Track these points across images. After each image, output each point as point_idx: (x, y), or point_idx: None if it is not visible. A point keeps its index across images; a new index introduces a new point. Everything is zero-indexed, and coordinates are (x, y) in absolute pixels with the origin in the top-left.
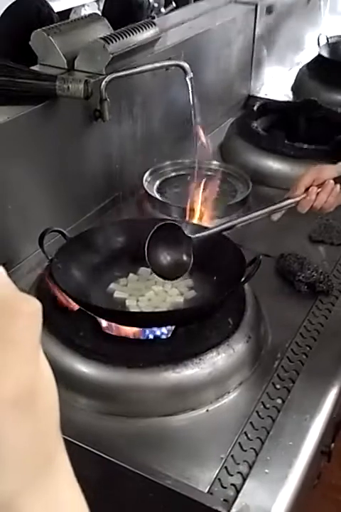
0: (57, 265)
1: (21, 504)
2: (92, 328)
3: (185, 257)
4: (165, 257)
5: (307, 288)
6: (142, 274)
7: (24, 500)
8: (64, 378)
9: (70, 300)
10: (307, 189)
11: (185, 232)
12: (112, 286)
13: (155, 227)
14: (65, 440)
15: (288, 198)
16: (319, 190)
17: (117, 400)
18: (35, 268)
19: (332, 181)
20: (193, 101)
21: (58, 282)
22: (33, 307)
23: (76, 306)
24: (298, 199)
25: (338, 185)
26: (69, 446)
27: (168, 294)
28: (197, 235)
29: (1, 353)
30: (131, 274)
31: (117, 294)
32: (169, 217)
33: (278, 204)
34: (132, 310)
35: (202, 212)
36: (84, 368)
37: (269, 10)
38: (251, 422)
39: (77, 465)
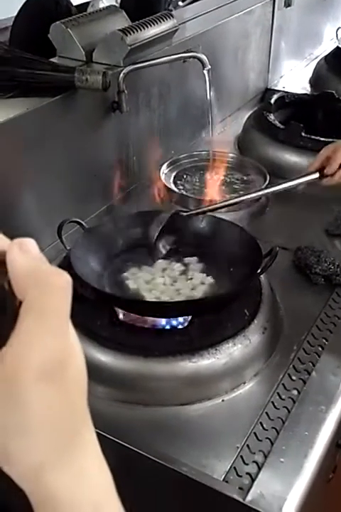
0: (75, 255)
1: (49, 476)
2: (109, 317)
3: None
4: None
5: (324, 281)
6: (159, 264)
7: (51, 473)
8: None
9: (88, 290)
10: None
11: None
12: (129, 276)
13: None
14: None
15: (316, 172)
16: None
17: (134, 388)
18: (54, 258)
19: None
20: (210, 93)
21: (76, 272)
22: (64, 280)
23: (93, 296)
24: (315, 176)
25: None
26: None
27: (185, 285)
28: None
29: (33, 324)
30: (148, 265)
31: (134, 285)
32: (185, 209)
33: (304, 178)
34: (149, 300)
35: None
36: (101, 356)
37: (288, 3)
38: (266, 413)
39: None
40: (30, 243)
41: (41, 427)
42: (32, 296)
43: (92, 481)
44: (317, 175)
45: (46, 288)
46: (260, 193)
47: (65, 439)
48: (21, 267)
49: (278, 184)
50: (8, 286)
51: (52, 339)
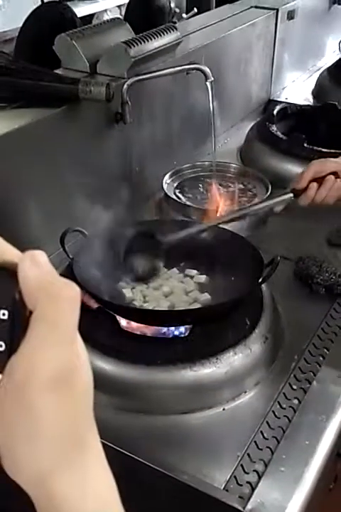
0: (78, 264)
1: (55, 482)
2: (111, 325)
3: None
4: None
5: (325, 291)
6: (161, 273)
7: (58, 479)
8: None
9: (90, 298)
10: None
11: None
12: (131, 285)
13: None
14: None
15: (290, 191)
16: (319, 185)
17: (135, 397)
18: (57, 267)
19: (332, 177)
20: (213, 104)
21: (79, 280)
22: (73, 292)
23: (95, 304)
24: (289, 196)
25: (338, 180)
26: None
27: (187, 294)
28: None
29: (43, 333)
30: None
31: (136, 294)
32: (188, 219)
33: (279, 198)
34: (151, 308)
35: (220, 213)
36: (103, 364)
37: (290, 15)
38: (267, 422)
39: None
40: (41, 255)
41: (49, 434)
42: (42, 306)
43: (97, 488)
44: (291, 194)
45: (56, 299)
46: (232, 215)
47: (72, 446)
48: (33, 279)
49: (254, 204)
50: (19, 296)
51: (61, 348)
